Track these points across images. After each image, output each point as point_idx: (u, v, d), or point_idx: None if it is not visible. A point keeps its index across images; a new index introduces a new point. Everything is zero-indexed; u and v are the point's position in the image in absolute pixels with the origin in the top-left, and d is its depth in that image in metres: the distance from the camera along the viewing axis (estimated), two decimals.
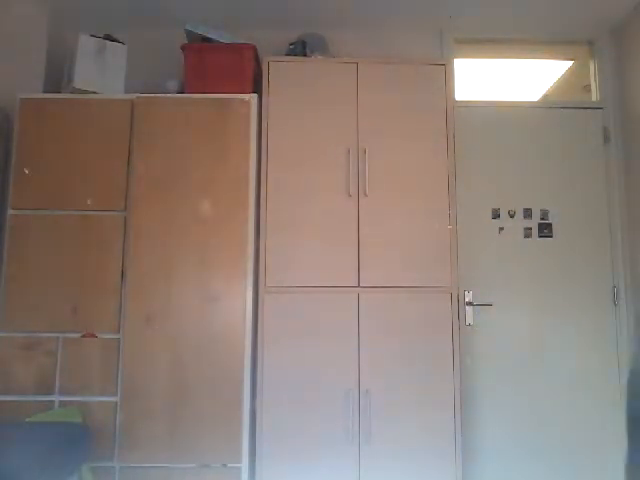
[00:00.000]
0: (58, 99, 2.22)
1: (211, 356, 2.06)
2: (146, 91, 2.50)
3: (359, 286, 2.16)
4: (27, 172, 1.90)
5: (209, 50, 2.31)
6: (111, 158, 2.17)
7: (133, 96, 2.23)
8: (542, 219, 2.63)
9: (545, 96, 2.89)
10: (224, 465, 2.01)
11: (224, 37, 2.34)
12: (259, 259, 2.17)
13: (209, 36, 2.33)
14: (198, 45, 2.34)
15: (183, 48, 2.31)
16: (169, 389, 2.04)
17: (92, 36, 2.30)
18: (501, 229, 2.62)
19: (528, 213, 2.63)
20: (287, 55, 2.46)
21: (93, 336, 2.07)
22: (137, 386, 2.04)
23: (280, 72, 2.28)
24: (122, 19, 2.65)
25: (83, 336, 2.07)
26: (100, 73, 2.28)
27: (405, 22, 2.70)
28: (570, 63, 2.88)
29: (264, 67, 2.29)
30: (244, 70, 2.28)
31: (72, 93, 2.25)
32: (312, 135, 2.24)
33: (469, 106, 2.71)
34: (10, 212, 2.14)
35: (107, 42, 2.32)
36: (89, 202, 2.10)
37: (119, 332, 2.08)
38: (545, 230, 2.62)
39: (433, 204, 2.22)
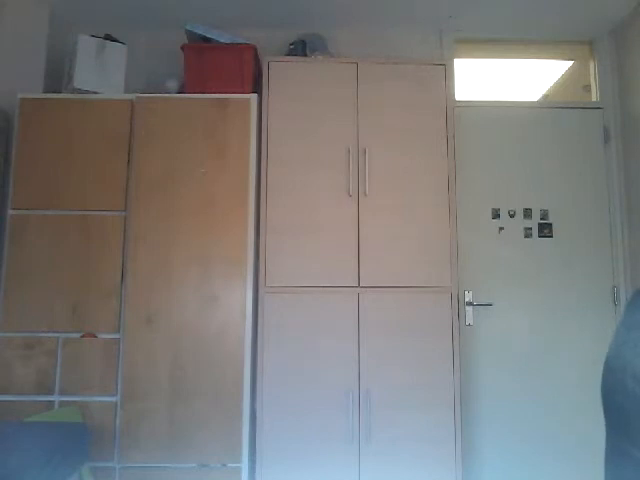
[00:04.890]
0: (58, 99, 2.22)
1: (211, 356, 2.06)
2: (146, 91, 2.50)
3: (359, 286, 2.16)
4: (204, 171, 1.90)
5: (209, 50, 2.31)
6: (111, 158, 2.17)
7: (133, 96, 2.23)
8: (542, 219, 2.63)
9: (545, 96, 2.89)
10: (224, 465, 2.01)
11: (224, 37, 2.33)
12: (259, 259, 2.17)
13: (209, 36, 2.33)
14: (198, 45, 2.34)
15: (183, 48, 2.31)
16: (169, 389, 2.04)
17: (92, 36, 2.31)
18: (501, 229, 2.62)
19: (528, 213, 2.63)
20: (287, 55, 2.46)
21: (93, 336, 2.07)
22: (137, 386, 2.04)
23: (280, 72, 2.28)
24: (122, 19, 2.65)
25: (83, 336, 2.07)
26: (100, 73, 2.28)
27: (405, 22, 2.70)
28: (570, 63, 2.88)
29: (264, 67, 2.29)
30: (244, 70, 2.28)
31: (72, 93, 2.25)
32: (312, 135, 2.24)
33: (469, 106, 2.71)
34: (10, 212, 2.14)
35: (107, 42, 2.32)
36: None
37: (119, 332, 2.08)
38: (545, 230, 2.62)
39: (433, 204, 2.22)
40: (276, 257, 2.17)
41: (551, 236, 2.62)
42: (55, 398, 2.03)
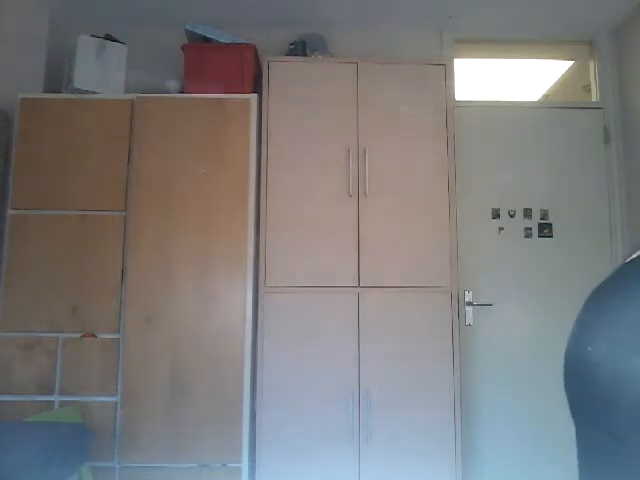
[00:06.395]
0: (58, 99, 2.22)
1: (211, 356, 2.06)
2: (146, 91, 2.49)
3: (359, 286, 2.16)
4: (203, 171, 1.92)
5: (209, 50, 2.31)
6: (111, 158, 2.17)
7: (133, 96, 2.23)
8: (542, 219, 2.63)
9: (545, 96, 2.89)
10: (224, 465, 2.01)
11: (224, 37, 2.34)
12: (259, 259, 2.17)
13: (209, 36, 2.33)
14: (198, 45, 2.34)
15: (183, 48, 2.31)
16: (169, 389, 2.04)
17: (92, 36, 2.31)
18: (501, 229, 2.62)
19: (528, 213, 2.63)
20: (287, 55, 2.46)
21: (93, 336, 2.07)
22: (137, 386, 2.04)
23: (280, 72, 2.28)
24: (122, 19, 2.65)
25: (83, 336, 2.07)
26: (100, 73, 2.28)
27: (405, 22, 2.70)
28: (570, 63, 2.88)
29: (264, 67, 2.29)
30: (244, 70, 2.28)
31: (72, 93, 2.25)
32: (312, 135, 2.24)
33: (469, 106, 2.71)
34: (10, 212, 2.14)
35: (107, 42, 2.32)
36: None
37: (119, 332, 2.08)
38: (545, 230, 2.62)
39: (433, 204, 2.22)
40: (276, 257, 2.17)
41: (551, 236, 2.62)
42: (55, 398, 2.03)
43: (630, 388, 0.37)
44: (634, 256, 0.44)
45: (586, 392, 0.41)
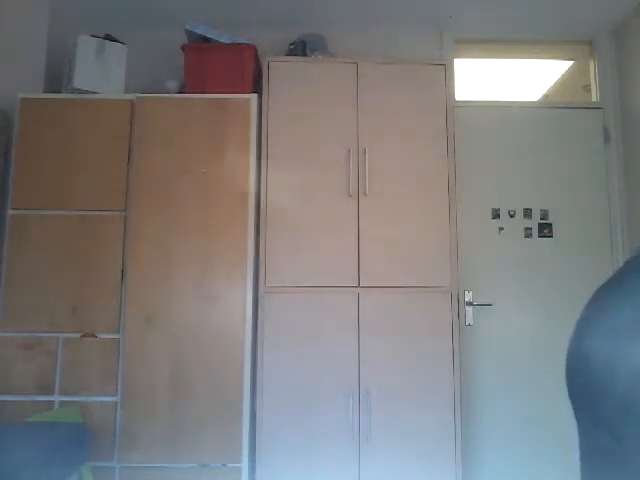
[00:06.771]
0: (58, 99, 2.22)
1: (211, 356, 2.06)
2: (146, 91, 2.50)
3: (359, 286, 2.16)
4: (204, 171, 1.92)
5: (209, 50, 2.31)
6: (111, 158, 2.17)
7: (133, 96, 2.23)
8: (542, 219, 2.63)
9: (545, 96, 2.89)
10: (224, 465, 2.01)
11: (224, 37, 2.34)
12: (259, 259, 2.17)
13: (209, 36, 2.33)
14: (198, 45, 2.34)
15: (183, 48, 2.31)
16: (169, 389, 2.04)
17: (92, 36, 2.30)
18: (501, 229, 2.62)
19: (528, 213, 2.63)
20: (287, 55, 2.46)
21: (93, 336, 2.07)
22: (137, 386, 2.04)
23: (280, 72, 2.28)
24: (122, 19, 2.65)
25: (83, 336, 2.07)
26: (100, 73, 2.28)
27: (405, 22, 2.70)
28: (570, 63, 2.88)
29: (264, 67, 2.29)
30: (244, 70, 2.28)
31: (72, 93, 2.25)
32: (312, 135, 2.24)
33: (469, 106, 2.71)
34: (10, 212, 2.14)
35: (107, 42, 2.32)
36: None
37: (119, 332, 2.08)
38: (545, 230, 2.62)
39: (433, 204, 2.22)
40: (276, 257, 2.17)
41: (551, 236, 2.62)
42: (55, 398, 2.03)
43: (623, 380, 0.37)
44: (636, 254, 0.45)
45: (585, 390, 0.41)
